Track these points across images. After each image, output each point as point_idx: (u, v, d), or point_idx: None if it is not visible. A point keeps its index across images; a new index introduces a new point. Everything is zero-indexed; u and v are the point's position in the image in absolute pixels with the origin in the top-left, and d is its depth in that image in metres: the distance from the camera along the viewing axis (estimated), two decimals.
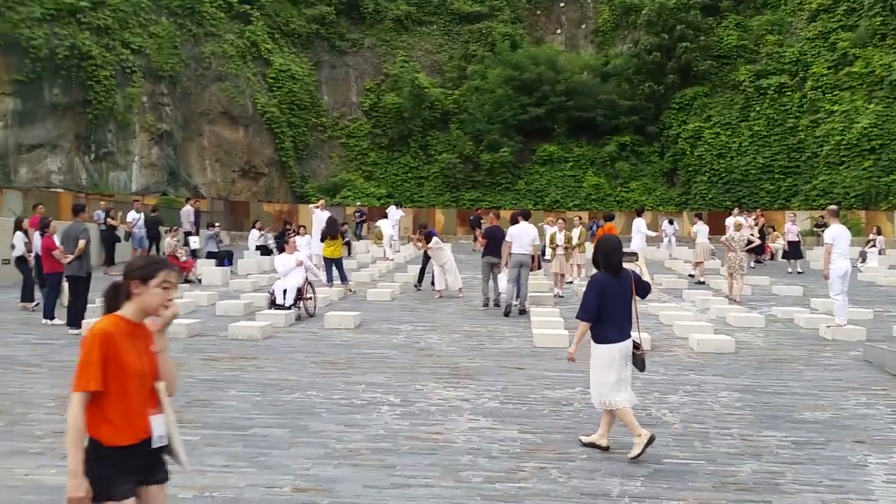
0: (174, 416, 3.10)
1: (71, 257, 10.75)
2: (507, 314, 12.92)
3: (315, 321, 12.29)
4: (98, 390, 2.87)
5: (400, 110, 37.90)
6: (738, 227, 15.61)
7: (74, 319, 10.77)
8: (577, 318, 5.95)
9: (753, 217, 22.67)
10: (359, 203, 26.50)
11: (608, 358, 5.75)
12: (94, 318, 11.28)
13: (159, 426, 3.04)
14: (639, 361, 5.95)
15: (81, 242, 10.69)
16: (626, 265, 6.05)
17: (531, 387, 8.02)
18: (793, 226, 20.83)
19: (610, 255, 5.90)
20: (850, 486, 5.29)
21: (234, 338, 10.55)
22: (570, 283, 16.43)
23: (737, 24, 38.30)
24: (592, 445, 5.96)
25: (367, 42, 40.46)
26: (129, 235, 19.42)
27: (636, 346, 5.95)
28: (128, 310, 3.00)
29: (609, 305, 5.76)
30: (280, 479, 5.24)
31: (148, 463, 3.04)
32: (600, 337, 5.80)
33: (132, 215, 19.63)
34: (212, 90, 34.03)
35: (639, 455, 5.65)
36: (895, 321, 12.52)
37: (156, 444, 3.03)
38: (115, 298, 3.05)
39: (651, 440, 5.64)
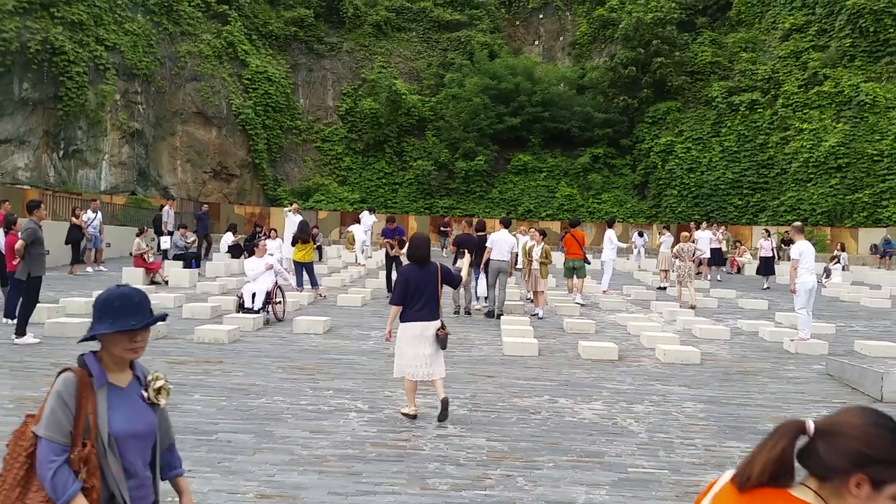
0: None
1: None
2: (489, 315, 13.59)
3: (284, 326, 12.19)
4: None
5: (376, 116, 37.88)
6: (687, 239, 16.76)
7: (17, 326, 9.90)
8: (390, 303, 7.14)
9: (721, 231, 23.05)
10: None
11: (408, 335, 6.84)
12: (53, 318, 11.06)
13: None
14: (440, 339, 6.91)
15: (19, 242, 9.82)
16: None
17: (500, 395, 8.04)
18: (765, 241, 20.99)
19: (415, 250, 7.03)
20: None
21: (200, 341, 10.41)
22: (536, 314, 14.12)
23: (711, 40, 39.01)
24: (406, 416, 6.88)
25: (346, 46, 40.41)
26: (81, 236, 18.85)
27: (442, 326, 6.97)
28: None
29: (413, 292, 6.85)
30: (244, 485, 5.18)
31: None
32: (404, 317, 6.90)
33: (88, 215, 19.14)
34: (186, 90, 33.68)
35: (406, 414, 6.86)
36: (857, 336, 12.79)
37: None
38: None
39: (412, 417, 6.77)
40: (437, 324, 6.92)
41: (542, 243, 14.19)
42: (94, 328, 2.40)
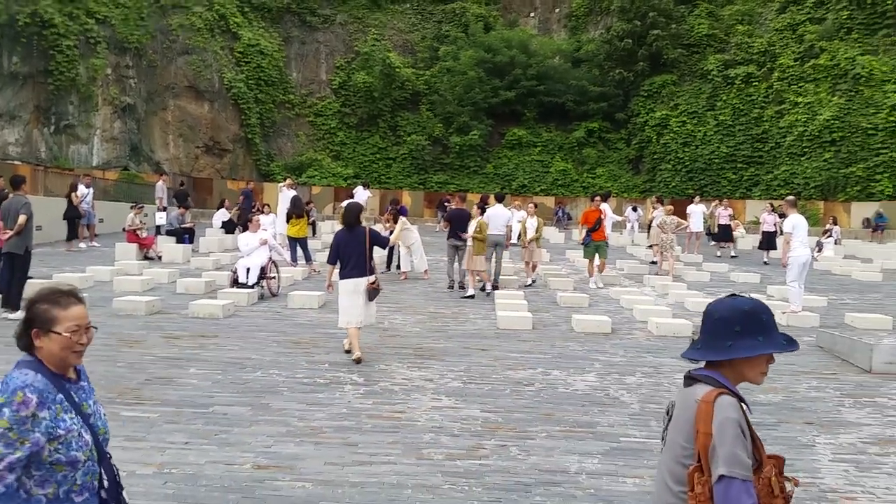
0: None
1: (10, 233, 9.99)
2: (483, 289, 13.42)
3: (278, 301, 12.22)
4: None
5: (370, 90, 37.56)
6: (669, 212, 17.14)
7: (10, 301, 9.94)
8: (326, 262, 8.55)
9: (716, 204, 22.95)
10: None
11: (344, 290, 8.07)
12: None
13: None
14: (370, 292, 8.13)
15: (21, 217, 9.90)
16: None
17: (494, 367, 8.11)
18: (768, 216, 20.63)
19: (346, 217, 8.30)
20: (799, 465, 5.47)
21: (195, 316, 10.44)
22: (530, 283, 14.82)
23: (708, 13, 38.68)
24: (347, 352, 8.23)
25: (339, 19, 39.94)
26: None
27: (373, 282, 8.16)
28: None
29: (345, 252, 8.08)
30: (241, 457, 5.24)
31: None
32: (341, 275, 8.13)
33: (82, 190, 18.98)
34: (178, 63, 33.31)
35: (355, 358, 7.98)
36: (847, 309, 12.90)
37: None
38: None
39: (358, 362, 7.91)
40: (368, 279, 8.08)
41: (479, 217, 13.18)
42: (753, 347, 2.05)
